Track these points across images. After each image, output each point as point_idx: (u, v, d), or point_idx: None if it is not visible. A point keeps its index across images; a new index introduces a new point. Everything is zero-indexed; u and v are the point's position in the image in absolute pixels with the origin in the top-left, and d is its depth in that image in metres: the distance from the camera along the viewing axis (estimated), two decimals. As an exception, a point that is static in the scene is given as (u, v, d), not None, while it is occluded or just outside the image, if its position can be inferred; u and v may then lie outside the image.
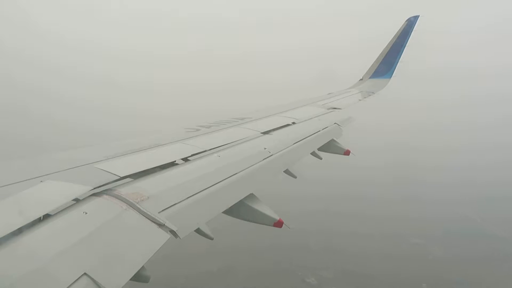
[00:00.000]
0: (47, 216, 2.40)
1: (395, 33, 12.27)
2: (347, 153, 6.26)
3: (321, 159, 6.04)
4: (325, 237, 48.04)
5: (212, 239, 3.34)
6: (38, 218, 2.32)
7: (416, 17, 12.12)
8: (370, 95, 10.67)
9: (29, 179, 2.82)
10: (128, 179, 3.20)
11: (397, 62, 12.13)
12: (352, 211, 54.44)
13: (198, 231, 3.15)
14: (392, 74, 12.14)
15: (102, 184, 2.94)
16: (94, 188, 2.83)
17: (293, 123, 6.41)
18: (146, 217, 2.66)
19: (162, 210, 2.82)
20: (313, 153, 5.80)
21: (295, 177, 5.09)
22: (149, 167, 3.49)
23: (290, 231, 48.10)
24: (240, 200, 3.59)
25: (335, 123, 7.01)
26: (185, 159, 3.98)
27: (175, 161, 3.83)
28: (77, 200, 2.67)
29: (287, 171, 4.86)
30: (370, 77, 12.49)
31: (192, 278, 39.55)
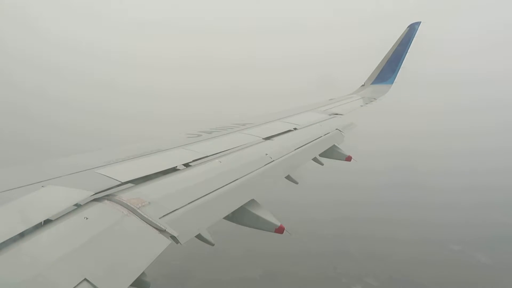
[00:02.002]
0: (48, 221, 2.40)
1: (397, 39, 12.30)
2: (348, 159, 6.25)
3: (322, 165, 6.03)
4: (363, 243, 47.15)
5: (213, 245, 3.32)
6: (39, 223, 2.32)
7: (418, 23, 12.15)
8: (372, 101, 10.67)
9: (30, 184, 2.83)
10: (129, 185, 3.20)
11: (399, 68, 12.14)
12: (376, 216, 53.62)
13: (199, 237, 3.14)
14: (394, 80, 12.15)
15: (103, 189, 2.94)
16: (95, 194, 2.83)
17: (295, 129, 6.41)
18: (147, 223, 2.66)
19: (163, 216, 2.81)
20: (315, 159, 5.79)
21: (296, 183, 5.08)
22: (151, 173, 3.49)
23: (329, 237, 47.82)
24: (242, 206, 3.58)
25: (336, 129, 7.01)
26: (187, 165, 3.98)
27: (176, 166, 3.83)
28: (78, 205, 2.67)
29: (288, 177, 4.85)
30: (372, 83, 12.51)
31: (229, 283, 39.07)
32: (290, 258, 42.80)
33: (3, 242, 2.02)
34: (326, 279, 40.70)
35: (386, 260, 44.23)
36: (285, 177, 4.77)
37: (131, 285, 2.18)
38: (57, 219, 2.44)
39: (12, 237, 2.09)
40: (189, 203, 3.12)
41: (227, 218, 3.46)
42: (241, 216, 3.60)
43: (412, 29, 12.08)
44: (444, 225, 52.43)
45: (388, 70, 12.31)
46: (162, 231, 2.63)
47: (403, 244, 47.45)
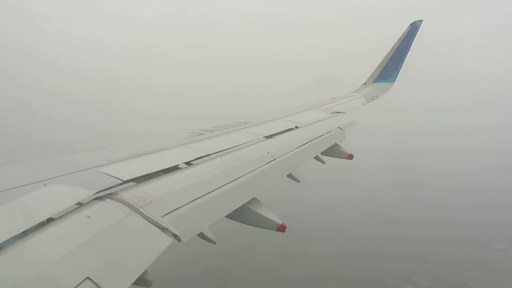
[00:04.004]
0: (50, 220, 2.41)
1: (398, 37, 12.27)
2: (350, 157, 6.25)
3: (324, 163, 6.04)
4: (399, 244, 45.91)
5: (215, 243, 3.33)
6: (41, 222, 2.33)
7: (420, 22, 12.12)
8: (373, 99, 10.66)
9: (32, 183, 2.83)
10: (131, 183, 3.21)
11: (401, 66, 12.12)
12: (399, 216, 52.04)
13: (201, 235, 3.15)
14: (395, 78, 12.14)
15: (105, 188, 2.94)
16: (98, 192, 2.84)
17: (297, 127, 6.41)
18: (149, 221, 2.66)
19: (165, 214, 2.82)
20: (317, 157, 5.79)
21: (298, 181, 5.09)
22: (152, 171, 3.50)
23: (360, 237, 47.12)
24: (243, 204, 3.59)
25: (338, 127, 7.01)
26: (188, 163, 3.98)
27: (178, 165, 3.83)
28: (80, 204, 2.67)
29: (290, 175, 4.85)
30: (373, 82, 12.49)
31: (271, 283, 38.41)
32: (328, 258, 41.91)
33: (6, 241, 2.03)
34: (373, 280, 39.59)
35: (429, 260, 42.74)
36: (287, 176, 4.77)
37: (133, 284, 2.19)
38: (59, 217, 2.45)
39: (14, 236, 2.10)
40: (191, 202, 3.13)
41: (229, 216, 3.47)
42: (243, 214, 3.61)
43: (414, 27, 12.06)
44: (476, 225, 50.40)
45: (390, 68, 12.29)
46: (164, 229, 2.64)
47: (442, 244, 45.78)
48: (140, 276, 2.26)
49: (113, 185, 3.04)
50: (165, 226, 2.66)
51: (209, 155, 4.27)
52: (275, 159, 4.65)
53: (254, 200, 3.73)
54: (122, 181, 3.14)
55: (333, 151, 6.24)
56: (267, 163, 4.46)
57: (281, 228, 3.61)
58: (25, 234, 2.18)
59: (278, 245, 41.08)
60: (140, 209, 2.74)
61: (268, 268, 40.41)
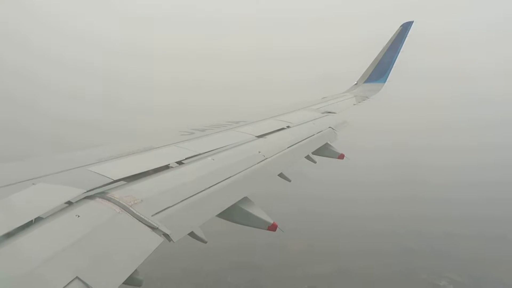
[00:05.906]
0: (39, 219, 2.38)
1: (389, 38, 12.36)
2: (341, 157, 6.29)
3: (315, 163, 6.06)
4: (422, 240, 46.03)
5: (205, 242, 3.33)
6: (30, 221, 2.30)
7: (410, 23, 12.23)
8: (364, 100, 10.74)
9: (21, 182, 2.80)
10: (121, 182, 3.19)
11: (392, 67, 12.23)
12: (416, 213, 52.02)
13: (191, 234, 3.14)
14: (386, 79, 12.23)
15: (95, 187, 2.92)
16: (87, 191, 2.82)
17: (288, 127, 6.43)
18: (139, 221, 2.65)
19: (156, 213, 2.81)
20: (308, 157, 5.82)
21: (289, 180, 5.10)
22: (143, 170, 3.49)
23: (382, 234, 46.54)
24: (234, 204, 3.59)
25: (329, 127, 7.05)
26: (179, 163, 3.97)
27: (169, 164, 3.83)
28: (69, 203, 2.65)
29: (281, 175, 4.87)
30: (364, 82, 12.58)
31: (302, 279, 38.29)
32: (355, 255, 41.88)
33: None
34: (405, 275, 39.46)
35: (455, 256, 42.76)
36: (278, 175, 4.79)
37: (123, 283, 2.18)
38: (48, 217, 2.43)
39: (2, 235, 2.07)
40: (181, 201, 3.12)
41: (220, 215, 3.47)
42: (234, 213, 3.61)
43: (404, 29, 12.16)
44: (495, 220, 50.63)
45: (380, 69, 12.38)
46: (154, 228, 2.64)
47: (465, 240, 45.86)
48: (130, 276, 2.25)
49: (103, 184, 3.02)
50: (155, 225, 2.65)
51: (200, 154, 4.27)
52: (266, 159, 4.66)
53: (245, 200, 3.74)
54: (112, 180, 3.12)
55: (325, 150, 6.27)
56: (258, 163, 4.47)
57: (272, 228, 3.61)
58: (13, 233, 2.16)
59: (303, 241, 41.10)
60: (131, 208, 2.73)
61: (297, 265, 40.38)
